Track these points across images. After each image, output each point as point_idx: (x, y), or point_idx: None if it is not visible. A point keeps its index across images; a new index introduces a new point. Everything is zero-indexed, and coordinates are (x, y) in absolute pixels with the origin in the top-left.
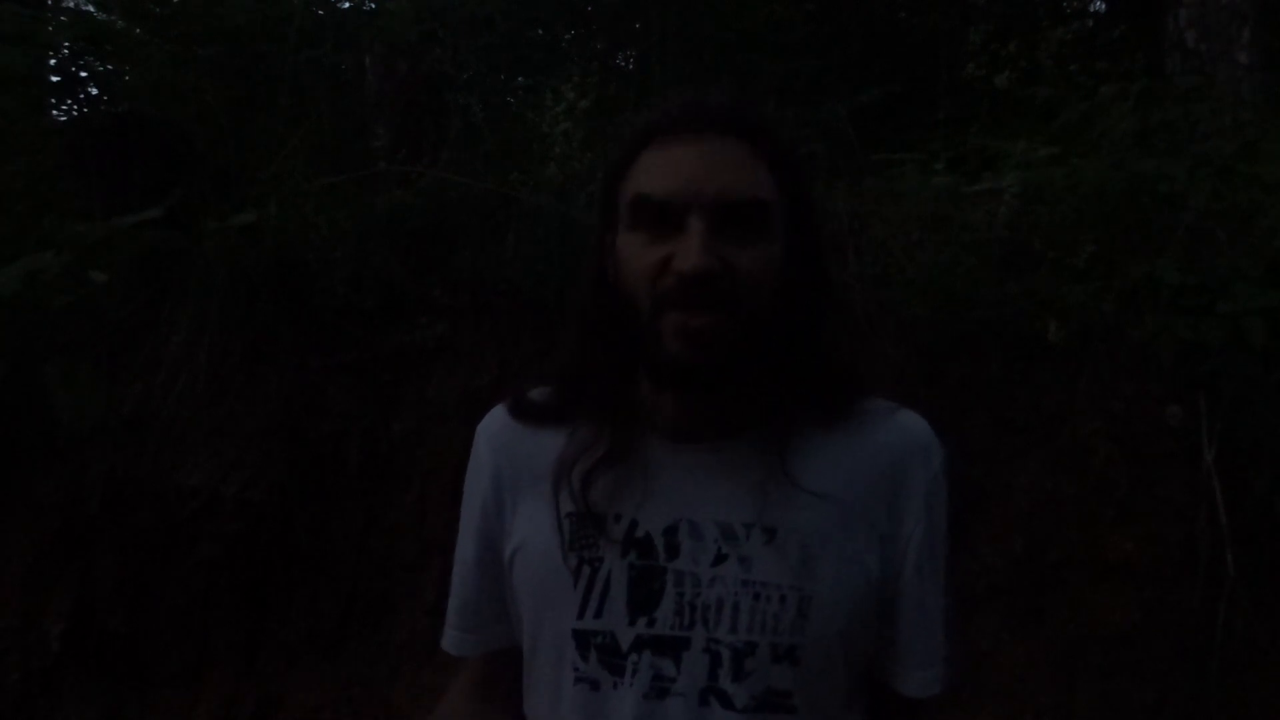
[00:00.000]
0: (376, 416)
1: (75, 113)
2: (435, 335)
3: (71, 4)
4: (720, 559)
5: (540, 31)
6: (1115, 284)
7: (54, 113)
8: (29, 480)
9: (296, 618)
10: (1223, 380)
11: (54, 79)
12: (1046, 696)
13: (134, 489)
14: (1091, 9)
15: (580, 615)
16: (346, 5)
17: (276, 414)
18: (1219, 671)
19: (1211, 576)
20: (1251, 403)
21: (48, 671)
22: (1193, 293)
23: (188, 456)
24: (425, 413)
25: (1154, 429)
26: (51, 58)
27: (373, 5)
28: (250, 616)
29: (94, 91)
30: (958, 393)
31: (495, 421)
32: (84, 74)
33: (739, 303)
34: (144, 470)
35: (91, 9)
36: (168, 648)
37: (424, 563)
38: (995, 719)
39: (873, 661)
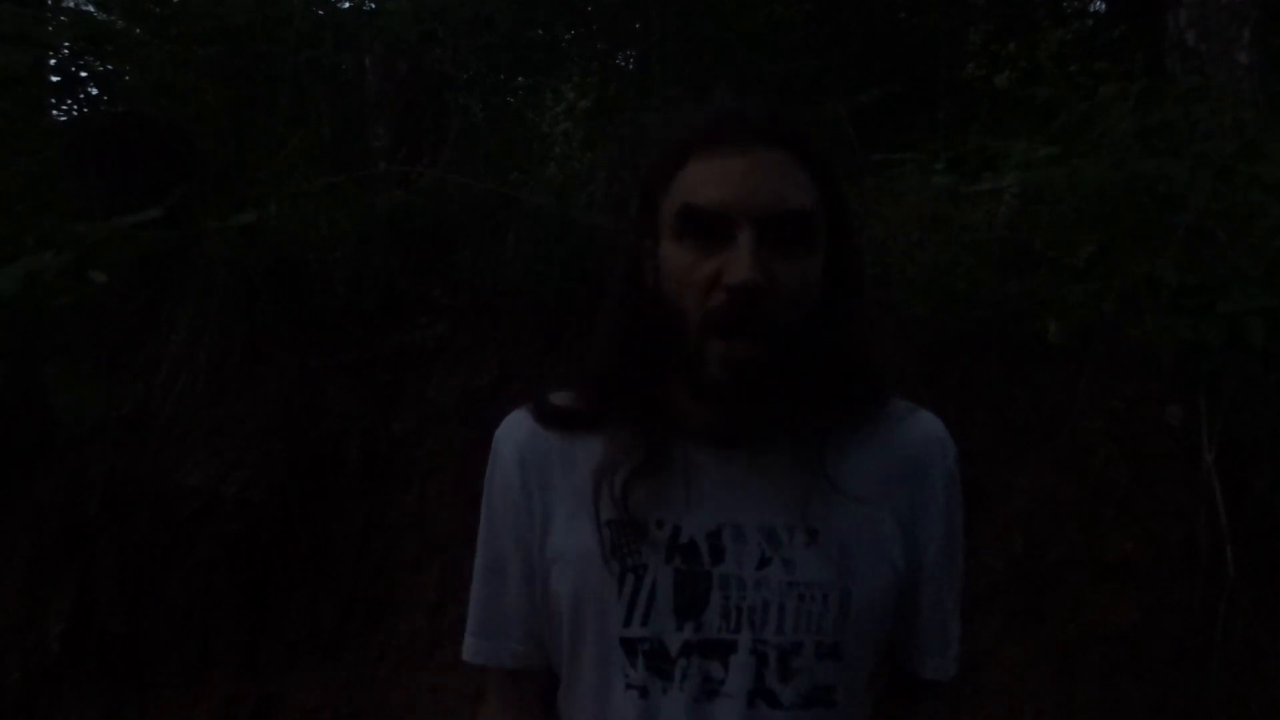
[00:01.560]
0: (376, 416)
1: (75, 113)
2: (435, 335)
3: (71, 4)
4: (764, 562)
5: (540, 31)
6: (1115, 284)
7: (54, 113)
8: (29, 480)
9: (296, 618)
10: (1223, 380)
11: (54, 79)
12: (1046, 696)
13: (134, 489)
14: (1091, 9)
15: (627, 623)
16: (346, 5)
17: (276, 414)
18: (1219, 671)
19: (1211, 576)
20: (1251, 403)
21: (48, 671)
22: (1193, 293)
23: (188, 456)
24: (425, 413)
25: (1154, 429)
26: (51, 58)
27: (373, 5)
28: (250, 616)
29: (94, 91)
30: (958, 393)
31: (520, 428)
32: (84, 74)
33: (780, 321)
34: (144, 470)
35: (91, 9)
36: (168, 648)
37: (424, 563)
38: (995, 719)
39: (894, 648)
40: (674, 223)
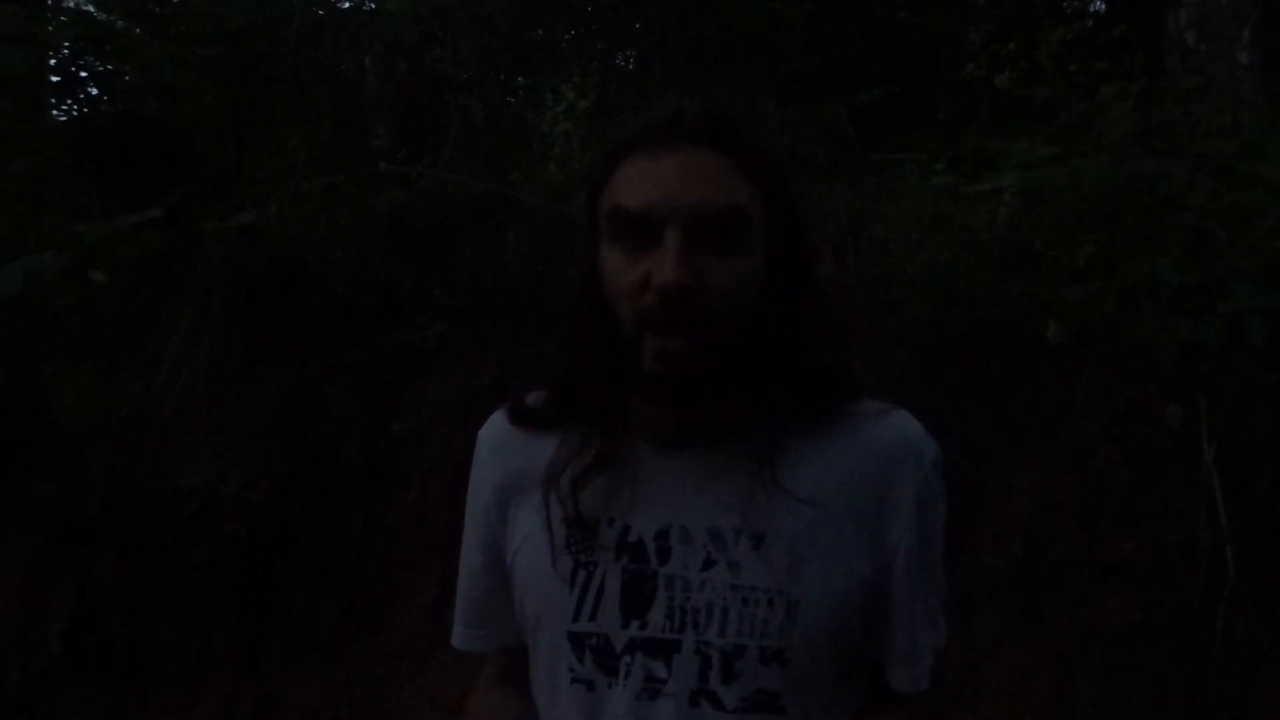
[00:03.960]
0: (376, 416)
1: (75, 113)
2: (435, 335)
3: (71, 4)
4: (709, 564)
5: (540, 31)
6: (1115, 284)
7: (54, 113)
8: (29, 480)
9: (296, 618)
10: (1223, 380)
11: (54, 79)
12: (1046, 696)
13: (134, 489)
14: (1091, 9)
15: (576, 618)
16: (346, 5)
17: (276, 414)
18: (1219, 671)
19: (1211, 576)
20: (1251, 403)
21: (48, 671)
22: (1193, 293)
23: (188, 456)
24: (425, 413)
25: (1154, 429)
26: (51, 58)
27: (373, 5)
28: (250, 616)
29: (94, 91)
30: (958, 393)
31: (495, 428)
32: (84, 74)
33: (714, 319)
34: (144, 470)
35: (91, 9)
36: (168, 648)
37: (424, 563)
38: (995, 719)
39: (865, 656)
40: (606, 226)
